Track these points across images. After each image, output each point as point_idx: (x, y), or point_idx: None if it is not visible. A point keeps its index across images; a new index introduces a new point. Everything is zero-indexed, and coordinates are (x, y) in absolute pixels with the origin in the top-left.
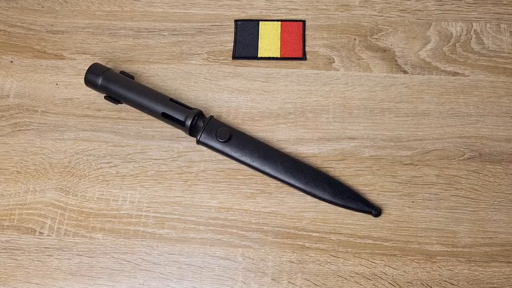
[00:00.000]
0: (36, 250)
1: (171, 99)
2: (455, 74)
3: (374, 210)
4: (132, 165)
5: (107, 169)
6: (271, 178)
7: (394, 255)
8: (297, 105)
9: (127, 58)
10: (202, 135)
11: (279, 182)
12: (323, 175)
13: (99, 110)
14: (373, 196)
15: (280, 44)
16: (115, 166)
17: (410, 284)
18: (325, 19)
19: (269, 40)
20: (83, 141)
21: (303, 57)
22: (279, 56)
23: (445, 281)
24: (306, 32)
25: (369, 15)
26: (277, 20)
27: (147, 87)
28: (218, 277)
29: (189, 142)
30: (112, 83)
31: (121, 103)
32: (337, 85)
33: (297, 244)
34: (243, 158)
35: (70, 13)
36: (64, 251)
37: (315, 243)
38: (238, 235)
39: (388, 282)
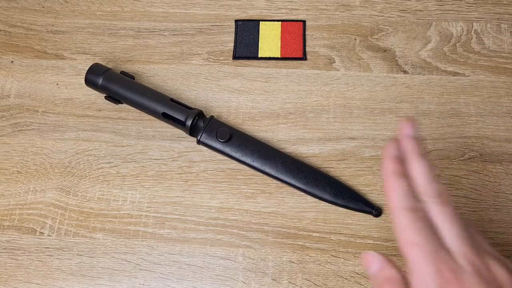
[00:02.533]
0: (37, 250)
1: (171, 99)
2: (455, 74)
3: (375, 210)
4: (133, 165)
5: (108, 169)
6: (271, 178)
7: (395, 255)
8: (298, 105)
9: (127, 58)
10: (203, 135)
11: (279, 182)
12: (324, 175)
13: (100, 110)
14: (374, 196)
15: (281, 44)
16: (115, 166)
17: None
18: (325, 19)
19: (270, 40)
20: (84, 141)
21: (304, 57)
22: (279, 56)
23: None
24: (306, 32)
25: (370, 15)
26: (278, 20)
27: (148, 87)
28: (219, 277)
29: (190, 142)
30: (113, 83)
31: (122, 103)
32: (337, 85)
33: (298, 244)
34: (243, 158)
35: (70, 13)
36: (65, 251)
37: (316, 243)
38: (238, 235)
39: None
